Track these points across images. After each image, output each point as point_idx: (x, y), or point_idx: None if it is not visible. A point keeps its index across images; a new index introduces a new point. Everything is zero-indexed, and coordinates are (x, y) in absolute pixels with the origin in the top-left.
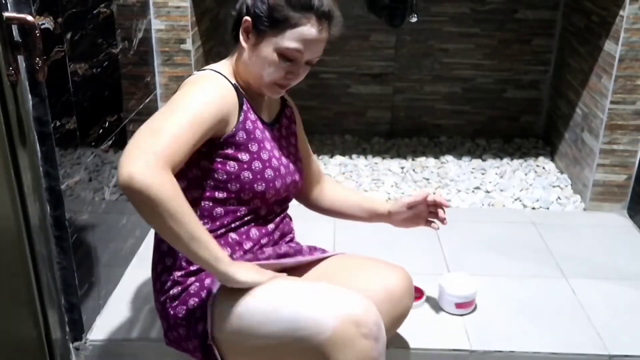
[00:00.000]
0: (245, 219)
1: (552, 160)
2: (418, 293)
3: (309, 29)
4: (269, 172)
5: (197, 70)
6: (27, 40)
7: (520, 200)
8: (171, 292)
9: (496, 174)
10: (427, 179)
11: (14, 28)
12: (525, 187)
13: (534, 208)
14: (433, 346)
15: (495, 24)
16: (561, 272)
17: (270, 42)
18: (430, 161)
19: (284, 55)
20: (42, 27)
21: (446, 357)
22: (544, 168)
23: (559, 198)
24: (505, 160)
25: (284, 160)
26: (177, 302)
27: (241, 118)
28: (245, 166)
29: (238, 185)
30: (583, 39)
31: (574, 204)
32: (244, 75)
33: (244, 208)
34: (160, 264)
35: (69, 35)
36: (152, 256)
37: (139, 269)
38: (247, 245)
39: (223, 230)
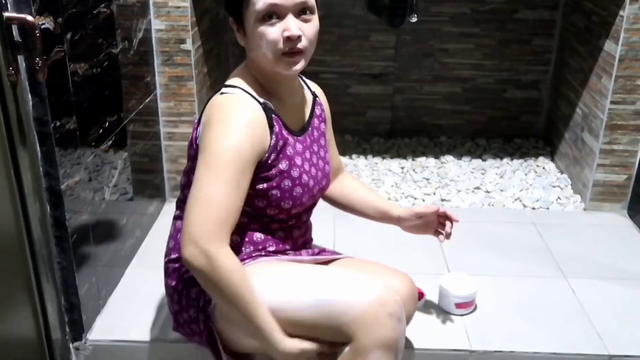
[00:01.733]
0: (272, 226)
1: (552, 160)
2: (418, 294)
3: None
4: (297, 190)
5: (224, 89)
6: (27, 40)
7: (520, 200)
8: (185, 275)
9: (496, 174)
10: (427, 179)
11: (14, 28)
12: (525, 187)
13: (534, 208)
14: (433, 346)
15: (495, 24)
16: (561, 272)
17: (248, 20)
18: (430, 161)
19: (264, 18)
20: (42, 27)
21: (446, 357)
22: (544, 168)
23: (559, 198)
24: (505, 160)
25: (313, 171)
26: (190, 284)
27: (273, 141)
28: (274, 184)
29: (265, 202)
30: (583, 39)
31: (574, 204)
32: (259, 72)
33: (268, 219)
34: (175, 251)
35: (69, 35)
36: (167, 242)
37: (139, 269)
38: (271, 247)
39: (249, 231)
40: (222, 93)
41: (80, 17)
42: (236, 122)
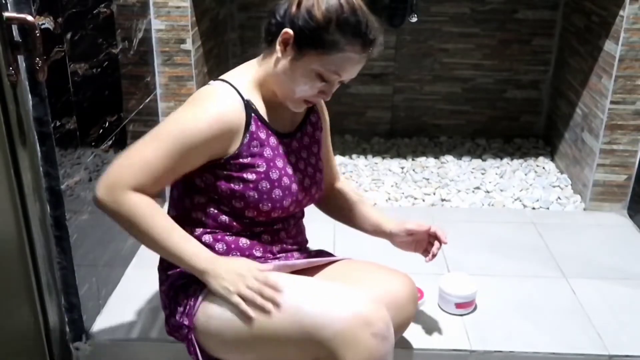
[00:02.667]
0: (255, 229)
1: (552, 160)
2: (418, 293)
3: (354, 55)
4: (277, 192)
5: (214, 80)
6: (27, 40)
7: (520, 200)
8: (176, 283)
9: (496, 174)
10: (427, 179)
11: (14, 28)
12: (525, 187)
13: (534, 208)
14: (433, 346)
15: (495, 24)
16: (561, 272)
17: (310, 61)
18: (430, 161)
19: (322, 76)
20: (42, 27)
21: (446, 357)
22: (544, 168)
23: (559, 198)
24: (505, 160)
25: (298, 176)
26: (180, 290)
27: (246, 140)
28: (251, 186)
29: (242, 203)
30: (583, 39)
31: (574, 204)
32: (271, 86)
33: (248, 220)
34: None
35: (69, 35)
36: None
37: (139, 269)
38: (258, 252)
39: (232, 236)
40: (209, 84)
41: (80, 17)
42: (204, 110)
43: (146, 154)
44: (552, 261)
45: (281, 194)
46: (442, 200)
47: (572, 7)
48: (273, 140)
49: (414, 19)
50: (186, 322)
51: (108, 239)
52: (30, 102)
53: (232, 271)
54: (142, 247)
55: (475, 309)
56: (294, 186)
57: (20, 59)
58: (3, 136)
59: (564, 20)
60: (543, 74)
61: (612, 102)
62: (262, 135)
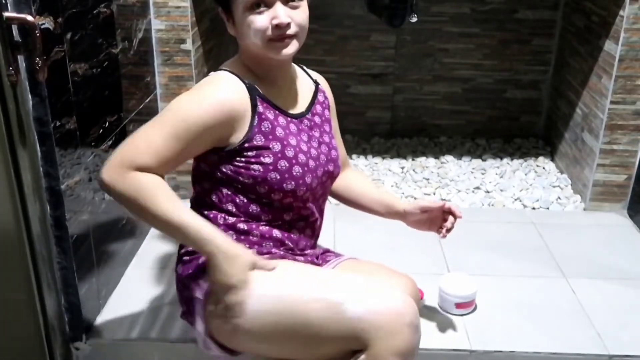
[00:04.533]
0: (286, 217)
1: (552, 160)
2: (419, 294)
3: None
4: (296, 170)
5: (215, 70)
6: (27, 40)
7: (520, 200)
8: (202, 263)
9: (496, 174)
10: (427, 179)
11: (14, 28)
12: (525, 187)
13: (534, 208)
14: (433, 346)
15: (495, 24)
16: (561, 272)
17: (237, 9)
18: (430, 161)
19: (252, 7)
20: (42, 27)
21: (446, 357)
22: (544, 168)
23: (559, 198)
24: (505, 160)
25: (313, 152)
26: (202, 274)
27: (255, 122)
28: (270, 167)
29: (266, 187)
30: (583, 39)
31: (574, 204)
32: (251, 59)
33: (278, 205)
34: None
35: (69, 35)
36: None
37: (139, 269)
38: (289, 243)
39: (266, 226)
40: (209, 74)
41: (80, 17)
42: (207, 95)
43: (151, 136)
44: (552, 261)
45: (301, 171)
46: (442, 200)
47: (572, 7)
48: (282, 119)
49: (414, 19)
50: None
51: (108, 239)
52: (30, 102)
53: (229, 273)
54: (142, 247)
55: (475, 309)
56: (312, 162)
57: (20, 59)
58: (3, 136)
59: (564, 20)
60: (543, 74)
61: (612, 102)
62: (271, 115)
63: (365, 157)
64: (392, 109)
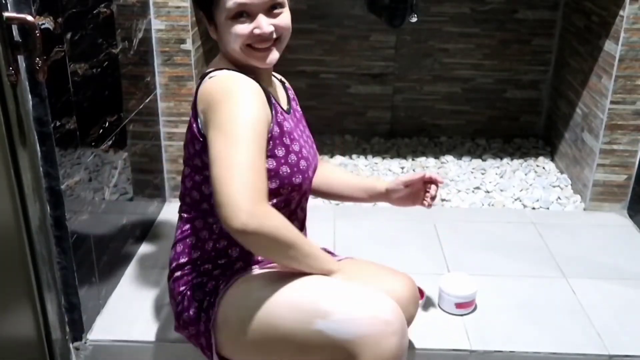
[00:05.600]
0: (280, 206)
1: (552, 160)
2: (419, 293)
3: None
4: (302, 163)
5: (211, 73)
6: (27, 40)
7: (520, 200)
8: (194, 280)
9: (496, 174)
10: None
11: (14, 28)
12: (525, 187)
13: (534, 208)
14: (433, 346)
15: (495, 24)
16: (561, 272)
17: (219, 17)
18: (430, 161)
19: (235, 17)
20: (42, 27)
21: (446, 357)
22: (544, 168)
23: (559, 198)
24: (505, 160)
25: (307, 147)
26: (196, 287)
27: (274, 112)
28: (282, 161)
29: (278, 181)
30: (583, 39)
31: (574, 204)
32: (234, 62)
33: (281, 199)
34: (185, 255)
35: (69, 35)
36: (172, 247)
37: (139, 269)
38: None
39: None
40: (211, 77)
41: (80, 17)
42: (242, 93)
43: (246, 159)
44: (552, 261)
45: (306, 165)
46: (442, 200)
47: (572, 7)
48: (284, 114)
49: (414, 19)
50: (203, 317)
51: (108, 239)
52: (30, 102)
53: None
54: (142, 247)
55: (475, 309)
56: (310, 157)
57: (20, 59)
58: (3, 136)
59: (564, 20)
60: (543, 74)
61: (612, 102)
62: (279, 108)
63: (365, 157)
64: (392, 109)
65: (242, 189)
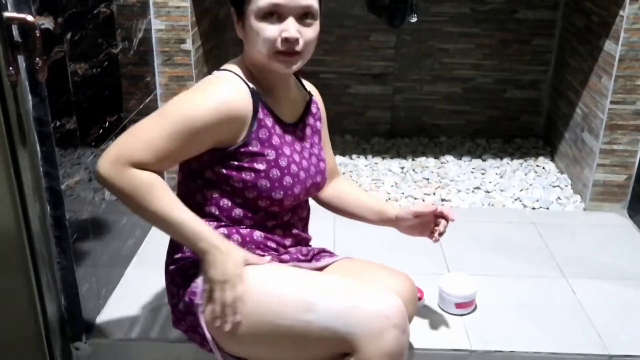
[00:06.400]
0: (268, 224)
1: (552, 160)
2: (418, 293)
3: None
4: (287, 180)
5: (217, 70)
6: (27, 40)
7: (520, 200)
8: (189, 272)
9: (496, 174)
10: (427, 179)
11: (14, 28)
12: (525, 187)
13: (534, 208)
14: (433, 346)
15: (495, 24)
16: (561, 272)
17: (249, 14)
18: (430, 161)
19: (265, 16)
20: (42, 27)
21: (446, 357)
22: (544, 168)
23: (559, 198)
24: (505, 160)
25: (304, 163)
26: (190, 277)
27: (254, 127)
28: (262, 174)
29: (255, 193)
30: (583, 39)
31: (574, 204)
32: (254, 65)
33: (262, 212)
34: (178, 251)
35: (69, 35)
36: (169, 242)
37: (139, 269)
38: (272, 244)
39: (247, 229)
40: (212, 73)
41: (80, 17)
42: (210, 96)
43: (150, 132)
44: (552, 261)
45: (291, 182)
46: (442, 200)
47: (572, 7)
48: (278, 128)
49: (414, 19)
50: (198, 301)
51: (108, 239)
52: (30, 102)
53: (224, 270)
54: (142, 247)
55: (475, 309)
56: (302, 173)
57: (20, 59)
58: (3, 136)
59: (564, 20)
60: (543, 74)
61: (612, 102)
62: (269, 123)
63: (365, 157)
64: (392, 109)
65: (123, 146)
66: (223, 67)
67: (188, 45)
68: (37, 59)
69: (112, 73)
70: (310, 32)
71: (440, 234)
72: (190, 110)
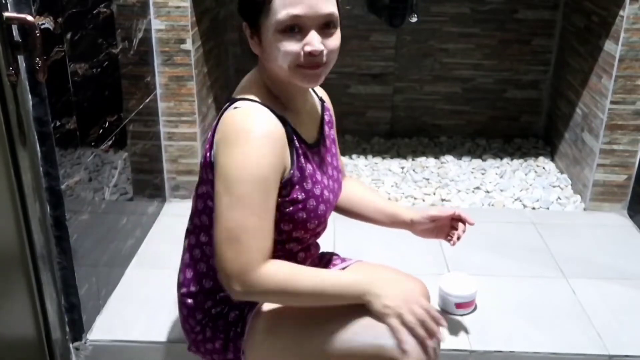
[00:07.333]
0: (294, 249)
1: (552, 160)
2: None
3: None
4: (321, 208)
5: (237, 102)
6: (27, 40)
7: (520, 200)
8: (213, 310)
9: (496, 174)
10: (427, 179)
11: (14, 28)
12: (525, 187)
13: (534, 208)
14: None
15: (495, 24)
16: (561, 272)
17: (266, 28)
18: (430, 161)
19: (285, 30)
20: (42, 27)
21: (446, 357)
22: (544, 168)
23: (559, 198)
24: (505, 160)
25: (330, 184)
26: (217, 317)
27: (294, 156)
28: (300, 206)
29: (291, 225)
30: (583, 39)
31: (574, 204)
32: (273, 82)
33: (293, 243)
34: (195, 284)
35: (69, 35)
36: (180, 271)
37: (139, 269)
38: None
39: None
40: (235, 107)
41: (80, 17)
42: (254, 139)
43: (246, 223)
44: (552, 261)
45: (324, 209)
46: (442, 200)
47: (572, 7)
48: (309, 153)
49: (414, 19)
50: (231, 347)
51: (108, 239)
52: (30, 102)
53: (396, 293)
54: (142, 247)
55: (475, 309)
56: (331, 196)
57: (20, 59)
58: (3, 136)
59: (564, 20)
60: (543, 74)
61: (612, 102)
62: (302, 149)
63: (365, 157)
64: (392, 109)
65: (236, 257)
66: (241, 96)
67: (188, 45)
68: (37, 59)
69: (112, 73)
70: (333, 42)
71: (459, 238)
72: (253, 172)
